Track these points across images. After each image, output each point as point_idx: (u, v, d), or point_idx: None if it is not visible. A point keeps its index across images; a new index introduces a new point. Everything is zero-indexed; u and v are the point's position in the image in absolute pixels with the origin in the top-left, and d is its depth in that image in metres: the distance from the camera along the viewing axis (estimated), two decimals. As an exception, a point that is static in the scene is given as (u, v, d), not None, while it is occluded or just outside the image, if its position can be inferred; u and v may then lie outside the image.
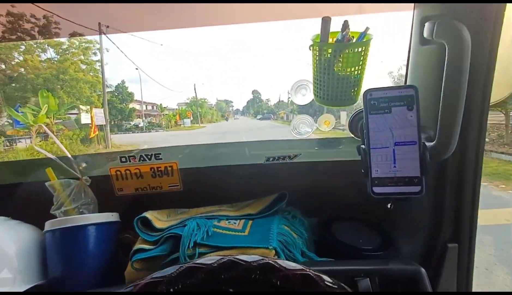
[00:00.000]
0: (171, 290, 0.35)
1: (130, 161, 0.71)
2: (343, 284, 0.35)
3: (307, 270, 0.36)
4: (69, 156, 0.69)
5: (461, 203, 0.56)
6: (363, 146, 0.52)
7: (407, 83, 0.60)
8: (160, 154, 0.70)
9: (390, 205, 0.58)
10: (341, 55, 0.57)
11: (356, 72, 0.58)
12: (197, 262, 0.37)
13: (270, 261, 0.37)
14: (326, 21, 0.57)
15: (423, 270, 0.49)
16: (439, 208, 0.57)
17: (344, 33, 0.57)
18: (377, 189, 0.50)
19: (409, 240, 0.62)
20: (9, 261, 0.59)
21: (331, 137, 0.75)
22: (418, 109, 0.49)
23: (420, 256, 0.59)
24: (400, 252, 0.61)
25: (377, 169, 0.51)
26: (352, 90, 0.60)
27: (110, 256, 0.65)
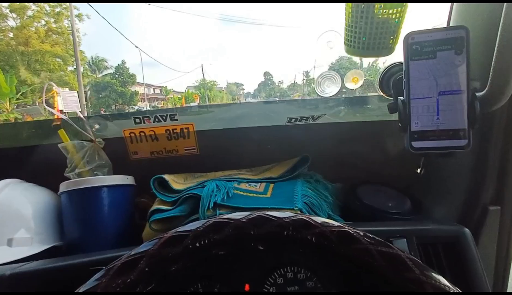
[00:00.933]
0: (197, 244, 0.32)
1: (144, 122, 0.68)
2: (388, 243, 0.31)
3: (345, 226, 0.32)
4: (81, 116, 0.66)
5: (506, 161, 0.51)
6: (401, 97, 0.47)
7: (451, 22, 0.53)
8: (175, 114, 0.67)
9: (420, 170, 0.54)
10: None
11: (397, 15, 0.51)
12: (225, 217, 0.34)
13: (304, 217, 0.33)
14: None
15: (467, 230, 0.45)
16: (480, 166, 0.52)
17: None
18: (416, 144, 0.46)
19: (444, 203, 0.57)
20: (25, 222, 0.58)
21: (359, 96, 0.69)
22: (468, 54, 0.43)
23: (456, 220, 0.55)
24: (433, 214, 0.57)
25: (417, 121, 0.45)
26: (391, 37, 0.54)
27: (126, 219, 0.64)
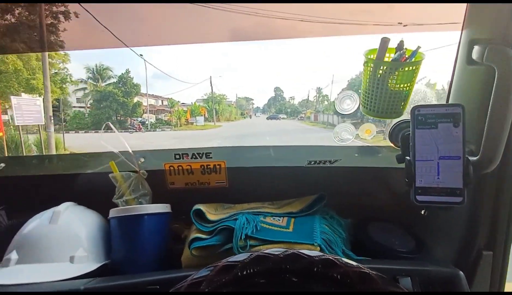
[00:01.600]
0: (244, 273, 0.41)
1: (183, 158, 0.78)
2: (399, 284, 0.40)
3: (364, 268, 0.41)
4: (130, 150, 0.77)
5: (498, 213, 0.60)
6: (408, 157, 0.57)
7: (450, 100, 0.63)
8: (210, 153, 0.77)
9: (424, 212, 0.62)
10: (396, 73, 0.62)
11: (407, 87, 0.62)
12: (266, 251, 0.43)
13: (330, 257, 0.42)
14: (384, 41, 0.61)
15: (461, 273, 0.53)
16: (476, 217, 0.61)
17: (401, 52, 0.61)
18: (420, 198, 0.55)
19: (443, 245, 0.66)
20: (82, 242, 0.68)
21: (371, 145, 0.79)
22: (464, 127, 0.53)
23: (453, 261, 0.63)
24: (433, 256, 0.65)
25: (421, 179, 0.55)
26: (402, 104, 0.64)
27: (164, 243, 0.73)
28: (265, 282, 0.42)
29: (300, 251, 0.43)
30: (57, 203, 0.72)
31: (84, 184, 0.82)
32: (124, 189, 0.76)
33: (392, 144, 0.69)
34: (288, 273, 0.43)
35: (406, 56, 0.62)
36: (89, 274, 0.62)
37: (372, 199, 0.78)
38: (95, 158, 0.85)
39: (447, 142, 0.53)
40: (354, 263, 0.41)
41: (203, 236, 0.66)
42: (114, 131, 0.78)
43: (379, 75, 0.63)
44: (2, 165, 0.83)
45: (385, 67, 0.63)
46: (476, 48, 0.53)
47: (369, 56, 0.65)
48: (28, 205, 0.74)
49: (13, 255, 0.63)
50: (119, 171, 0.76)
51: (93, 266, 0.64)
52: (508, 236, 0.59)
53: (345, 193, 0.77)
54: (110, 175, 0.76)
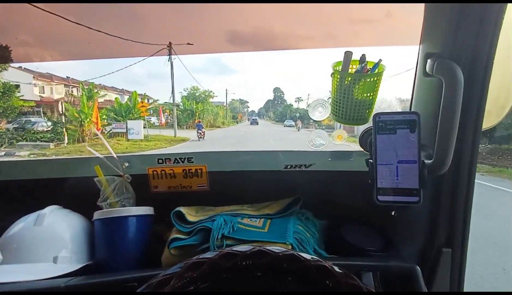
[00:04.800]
0: (213, 270, 0.44)
1: (165, 163, 0.82)
2: (352, 274, 0.43)
3: (323, 262, 0.45)
4: (115, 155, 0.80)
5: (454, 213, 0.64)
6: (371, 160, 0.62)
7: (412, 108, 0.69)
8: (192, 157, 0.81)
9: (394, 213, 0.67)
10: (360, 83, 0.67)
11: (371, 96, 0.67)
12: (234, 249, 0.46)
13: (294, 253, 0.46)
14: (348, 55, 0.67)
15: (418, 268, 0.58)
16: (434, 216, 0.66)
17: (363, 65, 0.67)
18: (381, 197, 0.60)
19: (408, 243, 0.71)
20: (66, 243, 0.70)
21: (343, 150, 0.84)
22: (419, 133, 0.58)
23: (417, 258, 0.68)
24: (400, 253, 0.70)
25: (382, 180, 0.60)
26: (367, 111, 0.69)
27: (146, 243, 0.76)
28: (231, 278, 0.46)
29: (267, 247, 0.46)
30: (43, 207, 0.74)
31: (70, 188, 0.85)
32: (109, 193, 0.79)
33: (362, 149, 0.74)
34: (254, 269, 0.46)
35: (368, 68, 0.67)
36: (72, 274, 0.64)
37: (347, 201, 0.82)
38: (80, 163, 0.88)
39: (404, 147, 0.58)
40: (315, 257, 0.45)
41: (182, 236, 0.69)
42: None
43: (345, 86, 0.68)
44: None
45: (349, 78, 0.68)
46: (428, 62, 0.58)
47: (335, 68, 0.70)
48: (14, 208, 0.76)
49: (-2, 256, 0.65)
50: (104, 175, 0.80)
51: (75, 266, 0.67)
52: (465, 233, 0.64)
53: (321, 195, 0.81)
54: (95, 179, 0.79)
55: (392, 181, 0.59)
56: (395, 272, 0.59)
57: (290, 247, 0.64)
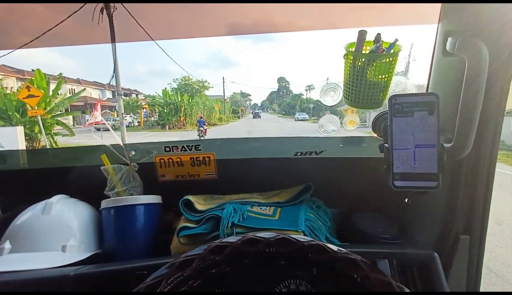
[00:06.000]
0: (236, 254, 0.42)
1: (173, 151, 0.80)
2: (349, 252, 0.41)
3: (351, 254, 0.42)
4: (121, 144, 0.79)
5: (474, 199, 0.62)
6: (386, 145, 0.59)
7: (429, 90, 0.66)
8: (199, 145, 0.79)
9: (408, 200, 0.65)
10: (374, 64, 0.64)
11: (385, 78, 0.64)
12: (258, 235, 0.44)
13: (319, 243, 0.43)
14: (362, 34, 0.63)
15: (436, 254, 0.56)
16: (453, 202, 0.63)
17: (378, 44, 0.64)
18: (398, 183, 0.57)
19: (424, 230, 0.68)
20: (74, 232, 0.69)
21: (355, 136, 0.82)
22: (438, 115, 0.55)
23: (433, 246, 0.66)
24: (416, 241, 0.68)
25: (398, 165, 0.57)
26: (381, 94, 0.66)
27: (154, 232, 0.75)
28: (254, 264, 0.44)
29: (291, 235, 0.44)
30: (50, 196, 0.74)
31: (77, 177, 0.84)
32: (116, 181, 0.78)
33: (375, 134, 0.72)
34: (278, 257, 0.44)
35: (384, 48, 0.64)
36: (80, 263, 0.63)
37: (359, 188, 0.80)
38: (87, 151, 0.86)
39: (422, 131, 0.56)
40: (342, 250, 0.42)
41: (191, 225, 0.68)
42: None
43: (358, 67, 0.65)
44: None
45: (363, 59, 0.65)
46: (449, 40, 0.55)
47: (349, 49, 0.67)
48: (22, 198, 0.75)
49: (7, 245, 0.65)
50: (111, 164, 0.78)
51: (84, 255, 0.66)
52: (484, 220, 0.62)
53: (332, 183, 0.79)
54: (102, 168, 0.78)
55: (409, 166, 0.56)
56: (412, 259, 0.57)
57: (302, 234, 0.63)
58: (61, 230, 0.68)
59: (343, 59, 0.67)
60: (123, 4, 1.17)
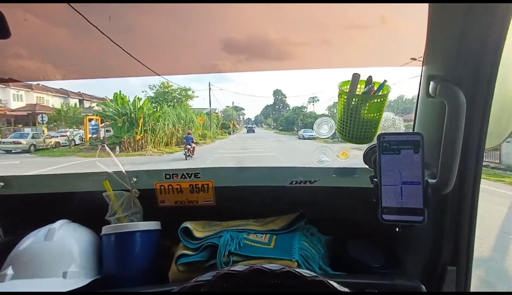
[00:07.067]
0: (243, 284, 0.45)
1: (173, 178, 0.84)
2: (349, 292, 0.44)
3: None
4: (123, 170, 0.82)
5: (459, 230, 0.65)
6: (375, 179, 0.63)
7: (415, 128, 0.70)
8: (199, 173, 0.82)
9: (398, 229, 0.68)
10: (367, 104, 0.69)
11: (377, 116, 0.69)
12: (265, 266, 0.46)
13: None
14: (356, 77, 0.69)
15: (423, 286, 0.58)
16: (439, 234, 0.66)
17: (370, 86, 0.69)
18: (386, 216, 0.60)
19: (413, 260, 0.71)
20: (74, 259, 0.71)
21: (347, 166, 0.86)
22: (423, 153, 0.59)
23: (422, 276, 0.68)
24: (405, 271, 0.70)
25: (386, 199, 0.61)
26: (373, 130, 0.71)
27: (153, 258, 0.77)
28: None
29: (296, 269, 0.46)
30: (52, 220, 0.76)
31: (79, 202, 0.86)
32: (117, 207, 0.80)
33: (367, 166, 0.76)
34: (282, 289, 0.46)
35: (375, 89, 0.69)
36: (81, 289, 0.65)
37: (351, 217, 0.83)
38: (89, 177, 0.89)
39: (408, 168, 0.59)
40: (346, 290, 0.45)
41: (189, 252, 0.70)
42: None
43: (352, 106, 0.70)
44: (1, 184, 0.87)
45: (357, 99, 0.70)
46: (431, 84, 0.60)
47: (342, 88, 0.72)
48: (24, 222, 0.78)
49: (9, 271, 0.66)
50: (112, 190, 0.81)
51: (84, 281, 0.68)
52: (470, 252, 0.65)
53: (326, 211, 0.82)
54: (104, 194, 0.81)
55: (397, 201, 0.60)
56: (400, 291, 0.60)
57: (295, 264, 0.65)
58: (62, 256, 0.70)
59: (338, 97, 0.72)
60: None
